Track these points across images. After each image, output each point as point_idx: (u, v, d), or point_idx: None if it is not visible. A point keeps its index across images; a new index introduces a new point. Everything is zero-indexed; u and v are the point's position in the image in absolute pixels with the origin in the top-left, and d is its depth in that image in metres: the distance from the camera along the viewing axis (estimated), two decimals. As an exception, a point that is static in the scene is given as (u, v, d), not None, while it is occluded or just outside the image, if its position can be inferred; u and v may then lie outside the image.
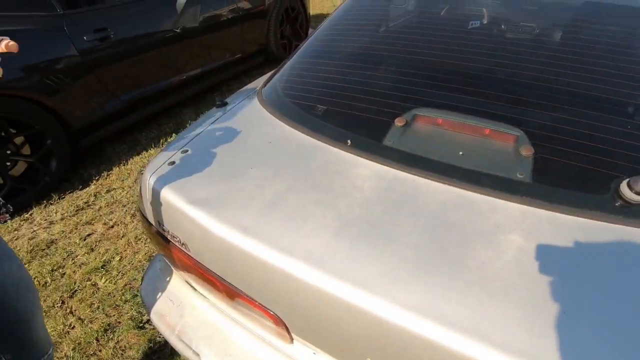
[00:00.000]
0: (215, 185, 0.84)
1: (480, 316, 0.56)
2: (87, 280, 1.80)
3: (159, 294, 1.10)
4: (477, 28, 1.16)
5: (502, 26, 1.16)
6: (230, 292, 0.83)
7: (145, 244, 2.01)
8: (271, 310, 0.76)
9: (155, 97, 2.93)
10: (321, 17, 6.15)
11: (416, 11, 1.42)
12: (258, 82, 1.33)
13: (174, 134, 2.95)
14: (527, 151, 0.79)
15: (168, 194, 0.84)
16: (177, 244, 0.87)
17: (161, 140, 2.86)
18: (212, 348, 0.94)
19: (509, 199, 0.72)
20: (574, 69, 0.94)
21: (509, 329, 0.54)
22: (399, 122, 0.90)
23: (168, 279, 1.11)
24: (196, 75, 3.27)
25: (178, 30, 3.03)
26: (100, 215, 2.19)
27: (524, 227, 0.67)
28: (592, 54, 0.98)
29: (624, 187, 0.69)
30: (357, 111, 0.97)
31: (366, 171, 0.82)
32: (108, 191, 2.38)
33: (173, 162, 0.92)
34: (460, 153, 0.82)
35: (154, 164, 0.94)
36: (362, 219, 0.72)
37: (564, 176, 0.75)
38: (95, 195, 2.34)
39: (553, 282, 0.59)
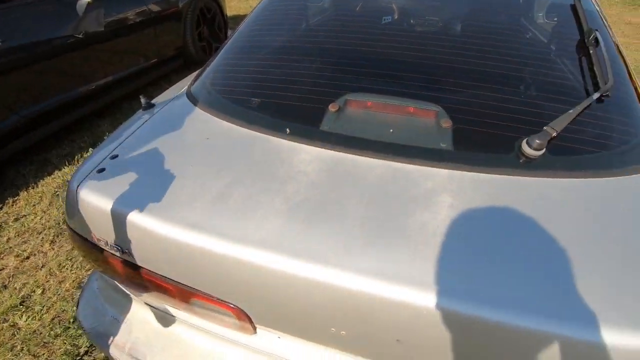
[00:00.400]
0: (155, 187, 0.81)
1: (428, 270, 0.63)
2: (3, 322, 1.58)
3: (101, 315, 1.02)
4: (394, 20, 1.27)
5: (415, 18, 1.27)
6: (184, 294, 0.80)
7: (71, 270, 1.82)
8: (231, 304, 0.76)
9: (61, 110, 2.64)
10: (239, 19, 6.05)
11: (334, 7, 1.49)
12: (184, 82, 1.29)
13: (90, 149, 2.69)
14: (446, 123, 0.89)
15: (103, 202, 0.79)
16: (118, 254, 0.82)
17: (76, 157, 2.60)
18: (170, 359, 0.90)
19: (436, 166, 0.81)
20: (476, 52, 1.08)
21: (453, 275, 0.62)
22: (332, 108, 0.95)
23: (109, 297, 1.03)
24: (108, 84, 3.01)
25: (80, 36, 2.76)
26: (11, 247, 1.92)
27: (451, 189, 0.76)
28: (489, 38, 1.13)
29: (524, 146, 0.82)
30: (292, 101, 1.00)
31: (307, 156, 0.86)
32: (17, 219, 2.09)
33: (103, 169, 0.86)
34: (391, 130, 0.90)
35: (80, 173, 0.86)
36: (310, 199, 0.75)
37: (478, 142, 0.87)
38: (0, 226, 2.04)
39: (479, 229, 0.69)
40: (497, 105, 0.93)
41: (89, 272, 1.83)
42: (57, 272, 1.80)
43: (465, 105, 0.93)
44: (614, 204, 0.74)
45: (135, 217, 0.75)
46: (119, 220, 0.77)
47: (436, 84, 1.01)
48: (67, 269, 1.82)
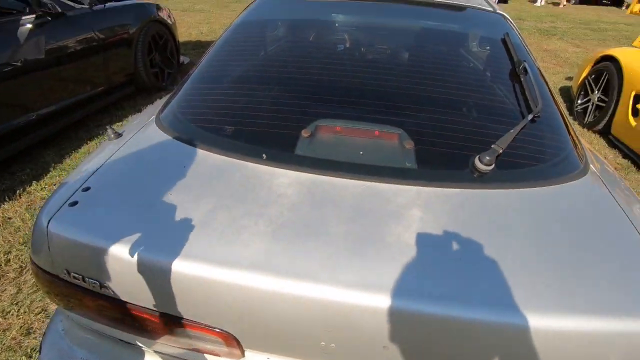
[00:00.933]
0: (134, 217, 0.80)
1: (407, 278, 0.69)
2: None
3: (68, 357, 0.95)
4: (354, 50, 1.38)
5: (373, 47, 1.40)
6: (168, 325, 0.79)
7: (18, 315, 1.66)
8: (219, 329, 0.76)
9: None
10: (191, 44, 6.03)
11: (303, 37, 1.59)
12: (151, 110, 1.29)
13: (34, 182, 2.50)
14: (408, 145, 0.99)
15: (79, 236, 0.77)
16: (96, 289, 0.79)
17: (17, 192, 2.40)
18: (150, 395, 0.87)
19: (405, 183, 0.90)
20: (432, 80, 1.21)
21: (428, 280, 0.69)
22: (305, 134, 1.01)
23: (77, 337, 0.98)
24: (51, 113, 2.85)
25: (18, 64, 2.61)
26: (-57, 296, 1.71)
27: (420, 203, 0.85)
28: (441, 67, 1.27)
29: (477, 162, 0.93)
30: (266, 128, 1.05)
31: (286, 179, 0.90)
32: (-51, 264, 1.88)
33: (75, 202, 0.84)
34: (361, 152, 0.97)
35: (50, 208, 0.83)
36: (293, 220, 0.79)
37: (438, 160, 0.97)
38: None
39: (446, 237, 0.77)
40: (451, 127, 1.05)
41: (38, 316, 1.68)
42: (1, 320, 1.64)
43: (423, 127, 1.04)
44: (550, 208, 0.87)
45: (115, 250, 0.74)
46: (97, 253, 0.75)
47: (397, 108, 1.12)
48: (12, 315, 1.66)
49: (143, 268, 0.73)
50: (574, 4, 13.39)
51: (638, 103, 3.12)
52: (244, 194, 0.86)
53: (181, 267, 0.72)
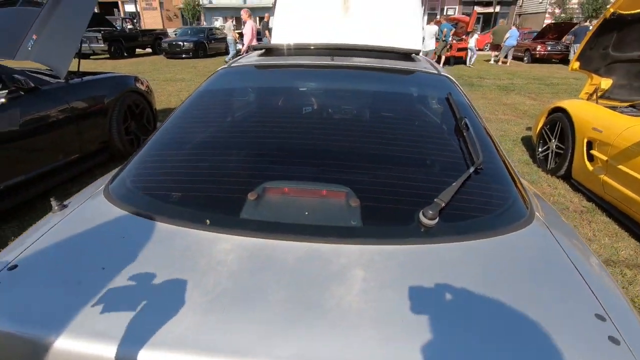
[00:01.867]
0: (60, 299, 0.75)
1: (348, 349, 0.65)
2: None
3: None
4: (305, 115, 1.44)
5: (321, 114, 1.47)
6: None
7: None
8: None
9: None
10: (169, 111, 6.22)
11: (254, 104, 1.66)
12: (102, 181, 1.28)
13: (-12, 257, 2.36)
14: (355, 202, 0.99)
15: (-7, 321, 0.70)
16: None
17: (-32, 269, 2.24)
18: None
19: (349, 242, 0.89)
20: (374, 139, 1.26)
21: (370, 350, 0.65)
22: (251, 197, 1.01)
23: None
24: (17, 183, 2.80)
25: None
26: None
27: (363, 262, 0.83)
28: (383, 127, 1.34)
29: (421, 217, 0.94)
30: (212, 193, 1.05)
31: (228, 245, 0.88)
32: None
33: (-4, 283, 0.78)
34: (306, 213, 0.97)
35: None
36: (230, 289, 0.76)
37: (383, 216, 0.98)
38: None
39: (389, 297, 0.74)
40: (396, 182, 1.08)
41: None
42: None
43: (370, 185, 1.06)
44: (495, 260, 0.87)
45: (36, 336, 0.68)
46: (15, 341, 0.69)
47: (345, 167, 1.14)
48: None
49: (68, 355, 0.67)
50: (527, 62, 14.77)
51: (591, 149, 3.32)
52: (183, 263, 0.83)
53: (110, 352, 0.66)
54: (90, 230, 0.95)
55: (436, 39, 11.58)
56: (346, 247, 0.87)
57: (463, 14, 23.95)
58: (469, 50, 13.13)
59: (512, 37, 13.33)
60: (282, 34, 2.49)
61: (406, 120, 1.42)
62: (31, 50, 3.22)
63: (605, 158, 3.07)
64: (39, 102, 3.13)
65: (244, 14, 10.39)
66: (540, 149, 4.21)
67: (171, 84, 8.95)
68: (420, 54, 2.20)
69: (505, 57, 13.81)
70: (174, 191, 1.07)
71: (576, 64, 4.02)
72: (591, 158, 3.33)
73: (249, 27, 10.06)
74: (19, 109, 2.95)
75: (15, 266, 0.83)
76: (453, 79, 1.78)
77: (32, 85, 3.09)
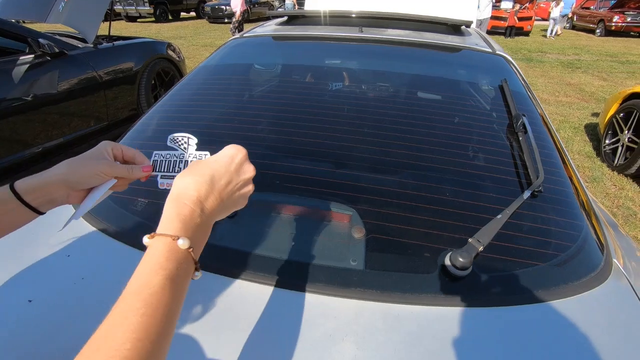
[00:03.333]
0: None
1: None
2: None
3: None
4: (304, 109, 1.17)
5: (324, 111, 1.18)
6: None
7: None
8: None
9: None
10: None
11: (260, 87, 1.41)
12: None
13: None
14: (359, 233, 0.75)
15: None
16: None
17: None
18: None
19: (341, 294, 0.65)
20: (393, 147, 0.96)
21: None
22: None
23: None
24: (55, 146, 2.95)
25: (19, 100, 2.70)
26: None
27: (357, 330, 0.60)
28: (412, 131, 1.03)
29: (447, 263, 0.68)
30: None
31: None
32: None
33: None
34: (292, 241, 0.74)
35: None
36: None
37: (396, 258, 0.72)
38: None
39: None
40: (414, 207, 0.80)
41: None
42: None
43: (378, 206, 0.80)
44: (552, 340, 0.60)
45: None
46: None
47: (344, 182, 0.88)
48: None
49: None
50: (599, 35, 13.00)
51: (676, 146, 2.76)
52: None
53: None
54: (30, 242, 0.78)
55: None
56: (337, 302, 0.64)
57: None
58: (550, 20, 11.60)
59: (566, 5, 11.67)
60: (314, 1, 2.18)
61: (441, 117, 1.10)
62: (62, 13, 3.16)
63: (693, 159, 2.53)
64: (66, 66, 3.09)
65: None
66: (607, 141, 3.63)
67: (209, 49, 8.82)
68: (474, 24, 1.81)
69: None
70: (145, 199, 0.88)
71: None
72: (674, 157, 2.78)
73: None
74: (46, 73, 2.95)
75: None
76: (511, 60, 1.42)
77: (58, 50, 3.03)
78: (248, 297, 0.64)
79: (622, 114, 3.47)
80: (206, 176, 0.45)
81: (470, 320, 0.61)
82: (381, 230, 0.76)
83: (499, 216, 0.74)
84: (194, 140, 0.59)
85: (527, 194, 0.79)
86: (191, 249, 0.40)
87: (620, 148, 3.44)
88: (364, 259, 0.70)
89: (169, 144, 0.59)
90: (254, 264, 0.70)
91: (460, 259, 0.66)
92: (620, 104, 3.54)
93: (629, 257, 0.83)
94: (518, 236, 0.76)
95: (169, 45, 4.44)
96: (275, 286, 0.66)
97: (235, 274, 0.67)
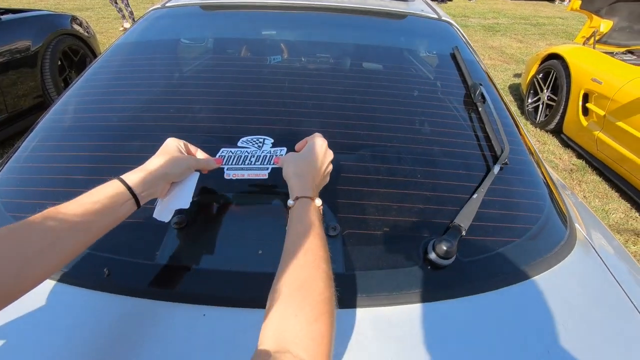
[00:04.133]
0: None
1: None
2: None
3: None
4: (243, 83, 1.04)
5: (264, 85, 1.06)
6: None
7: None
8: None
9: None
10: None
11: (193, 64, 1.22)
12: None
13: None
14: (332, 229, 0.67)
15: None
16: None
17: None
18: None
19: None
20: (354, 125, 0.89)
21: None
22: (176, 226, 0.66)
23: None
24: None
25: None
26: None
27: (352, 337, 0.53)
28: (368, 108, 0.96)
29: (430, 253, 0.63)
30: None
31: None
32: None
33: None
34: (260, 252, 0.64)
35: None
36: None
37: (374, 254, 0.66)
38: None
39: None
40: (384, 193, 0.74)
41: None
42: None
43: (346, 197, 0.73)
44: (537, 315, 0.59)
45: None
46: None
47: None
48: None
49: None
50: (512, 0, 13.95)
51: (587, 102, 3.06)
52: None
53: None
54: None
55: None
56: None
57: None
58: None
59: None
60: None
61: (393, 90, 1.03)
62: None
63: (602, 113, 2.82)
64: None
65: None
66: (529, 100, 3.93)
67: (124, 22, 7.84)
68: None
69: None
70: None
71: (577, 3, 3.60)
72: (586, 112, 3.08)
73: None
74: None
75: None
76: (457, 27, 1.39)
77: None
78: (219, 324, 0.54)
79: (541, 75, 3.76)
80: (313, 160, 0.60)
81: (465, 311, 0.58)
82: (355, 224, 0.69)
83: (474, 195, 0.71)
84: (269, 141, 0.74)
85: (497, 169, 0.77)
86: (321, 206, 0.56)
87: (541, 106, 3.74)
88: (343, 260, 0.63)
89: (240, 144, 0.73)
90: (215, 282, 0.60)
91: (445, 248, 0.61)
92: (539, 65, 3.82)
93: (583, 217, 0.87)
94: (490, 213, 0.74)
95: (74, 19, 3.82)
96: (243, 307, 0.57)
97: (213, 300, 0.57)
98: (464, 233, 0.65)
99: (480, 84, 0.99)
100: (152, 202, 0.61)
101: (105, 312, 0.56)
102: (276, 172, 0.66)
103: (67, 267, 0.60)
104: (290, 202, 0.55)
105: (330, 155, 0.63)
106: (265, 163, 0.68)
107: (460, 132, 0.92)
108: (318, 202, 0.55)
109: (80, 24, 3.91)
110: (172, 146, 0.61)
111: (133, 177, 0.55)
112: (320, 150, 0.62)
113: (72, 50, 3.65)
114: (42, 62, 3.26)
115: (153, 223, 0.63)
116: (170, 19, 1.36)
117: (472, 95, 0.98)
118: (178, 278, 0.61)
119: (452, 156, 0.85)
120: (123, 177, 0.54)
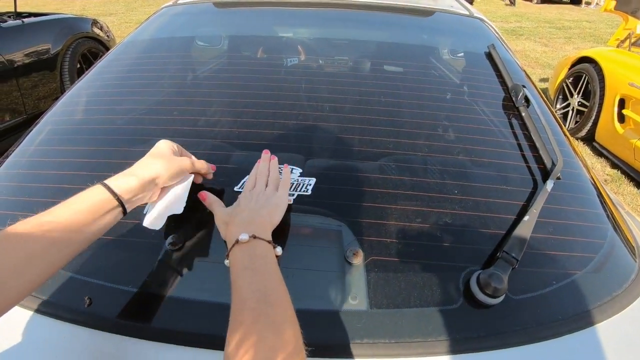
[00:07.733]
0: None
1: None
2: None
3: None
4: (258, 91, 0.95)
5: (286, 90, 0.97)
6: None
7: None
8: None
9: None
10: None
11: (205, 67, 1.15)
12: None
13: None
14: (357, 257, 0.56)
15: None
16: None
17: None
18: None
19: (340, 355, 0.47)
20: (380, 139, 0.78)
21: None
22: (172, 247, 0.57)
23: None
24: None
25: None
26: None
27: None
28: (393, 119, 0.85)
29: (474, 289, 0.52)
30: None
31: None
32: None
33: None
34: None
35: None
36: None
37: (406, 289, 0.55)
38: None
39: None
40: (413, 214, 0.63)
41: None
42: None
43: (375, 219, 0.62)
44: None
45: None
46: None
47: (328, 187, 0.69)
48: None
49: None
50: (536, 3, 13.56)
51: (623, 108, 2.86)
52: None
53: None
54: None
55: None
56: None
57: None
58: None
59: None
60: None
61: (427, 94, 0.91)
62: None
63: (641, 120, 2.62)
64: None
65: None
66: (558, 105, 3.72)
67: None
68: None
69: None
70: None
71: (611, 3, 3.40)
72: (622, 119, 2.88)
73: None
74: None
75: None
76: (490, 24, 1.27)
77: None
78: None
79: (571, 79, 3.56)
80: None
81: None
82: (382, 249, 0.58)
83: (525, 218, 0.59)
84: (297, 170, 0.67)
85: (550, 185, 0.65)
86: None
87: (570, 112, 3.54)
88: (366, 295, 0.53)
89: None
90: (220, 320, 0.50)
91: (494, 285, 0.50)
92: (569, 69, 3.62)
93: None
94: (542, 239, 0.62)
95: (95, 23, 3.86)
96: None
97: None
98: (515, 265, 0.53)
99: (524, 86, 0.87)
100: (142, 210, 0.52)
101: (85, 352, 0.47)
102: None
103: (40, 292, 0.51)
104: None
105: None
106: (291, 190, 0.62)
107: (501, 141, 0.80)
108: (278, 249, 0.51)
109: (101, 28, 3.95)
110: (164, 148, 0.56)
111: (119, 181, 0.49)
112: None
113: (92, 53, 3.68)
114: (61, 65, 3.29)
115: (144, 241, 0.54)
116: (182, 16, 1.29)
117: (514, 99, 0.86)
118: (174, 312, 0.51)
119: (492, 169, 0.73)
120: (107, 181, 0.48)
